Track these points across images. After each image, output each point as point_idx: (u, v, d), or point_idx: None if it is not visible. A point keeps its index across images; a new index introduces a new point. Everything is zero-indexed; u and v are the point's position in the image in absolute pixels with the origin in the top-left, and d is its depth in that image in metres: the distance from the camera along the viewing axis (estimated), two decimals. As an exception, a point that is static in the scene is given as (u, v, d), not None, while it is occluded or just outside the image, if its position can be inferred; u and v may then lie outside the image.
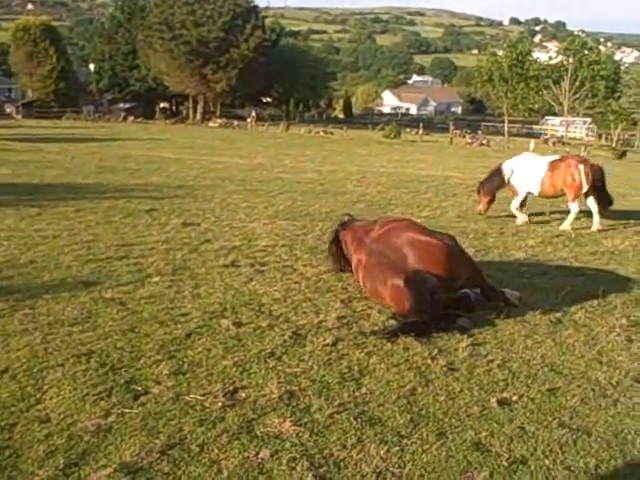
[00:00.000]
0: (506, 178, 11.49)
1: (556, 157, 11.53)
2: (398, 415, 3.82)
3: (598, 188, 10.71)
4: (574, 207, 10.64)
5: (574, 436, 3.68)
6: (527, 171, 11.24)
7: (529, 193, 11.32)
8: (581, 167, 10.52)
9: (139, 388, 4.04)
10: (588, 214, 10.99)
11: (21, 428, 3.54)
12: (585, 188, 10.51)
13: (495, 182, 11.66)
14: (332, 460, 3.32)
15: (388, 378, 4.34)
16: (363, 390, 4.14)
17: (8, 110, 77.98)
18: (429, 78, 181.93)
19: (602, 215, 10.77)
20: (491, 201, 11.80)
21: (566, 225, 10.67)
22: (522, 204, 11.48)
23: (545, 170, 10.97)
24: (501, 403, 4.05)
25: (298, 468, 3.23)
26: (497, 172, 11.69)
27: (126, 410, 3.76)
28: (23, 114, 73.79)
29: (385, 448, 3.45)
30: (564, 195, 10.91)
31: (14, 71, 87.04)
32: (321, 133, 55.37)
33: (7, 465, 3.20)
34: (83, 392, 3.95)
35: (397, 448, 3.46)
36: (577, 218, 10.82)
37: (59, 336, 4.84)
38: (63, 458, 3.26)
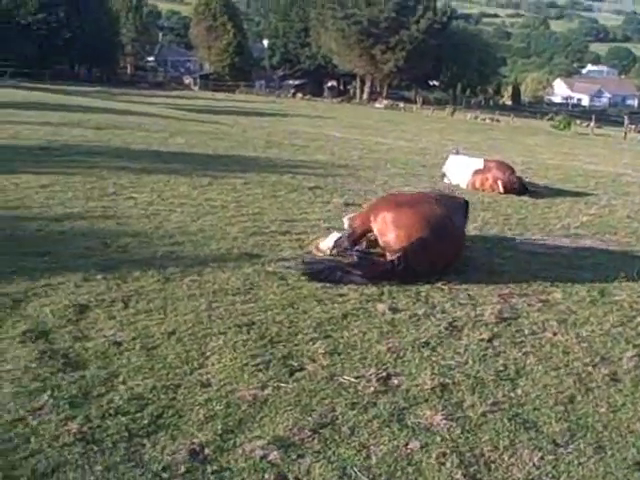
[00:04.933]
0: None
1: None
2: (554, 422, 3.66)
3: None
4: None
5: None
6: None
7: None
8: (499, 183, 12.12)
9: (295, 364, 4.15)
10: None
11: (184, 390, 3.74)
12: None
13: None
14: (483, 460, 3.24)
15: (546, 382, 4.16)
16: (519, 391, 4.00)
17: (186, 81, 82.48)
18: (605, 68, 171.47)
19: None
20: None
21: None
22: None
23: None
24: (669, 422, 3.77)
25: (447, 464, 3.19)
26: None
27: (282, 384, 3.87)
28: (200, 86, 77.70)
29: (539, 455, 3.32)
30: None
31: (194, 44, 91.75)
32: (487, 120, 53.91)
33: (170, 424, 3.39)
34: (242, 362, 4.11)
35: (552, 457, 3.32)
36: None
37: (223, 305, 5.07)
38: (221, 424, 3.41)
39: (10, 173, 9.46)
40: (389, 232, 6.15)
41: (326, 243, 6.78)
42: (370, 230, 6.48)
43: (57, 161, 11.12)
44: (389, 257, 6.05)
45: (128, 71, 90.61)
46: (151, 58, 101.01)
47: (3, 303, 4.74)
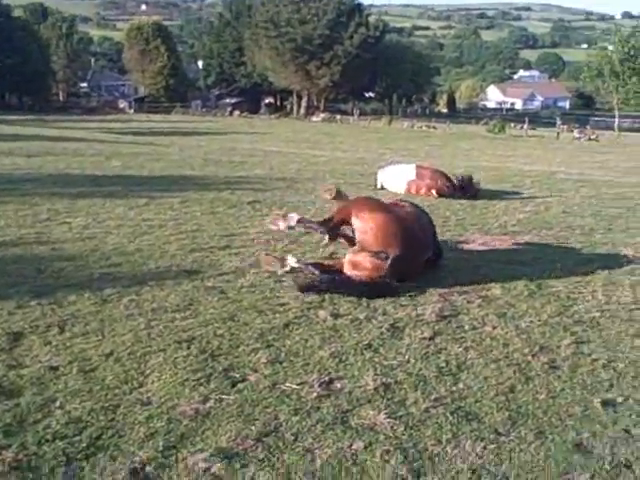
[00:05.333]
0: None
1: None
2: (496, 412, 3.71)
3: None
4: None
5: (686, 442, 3.46)
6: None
7: None
8: (433, 191, 12.69)
9: (237, 375, 4.11)
10: None
11: (124, 410, 3.66)
12: None
13: None
14: (426, 455, 3.26)
15: (486, 374, 4.22)
16: (460, 385, 4.04)
17: (121, 105, 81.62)
18: (536, 73, 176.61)
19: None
20: None
21: None
22: None
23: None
24: (605, 404, 3.87)
25: (392, 461, 3.19)
26: None
27: (224, 396, 3.82)
28: (135, 109, 77.02)
29: (481, 445, 3.36)
30: None
31: (127, 68, 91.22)
32: (424, 127, 54.79)
33: (110, 445, 3.31)
34: (183, 377, 4.05)
35: (494, 445, 3.36)
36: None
37: (162, 322, 4.99)
38: (162, 440, 3.35)
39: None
40: (370, 232, 6.12)
41: (287, 222, 6.79)
42: (348, 223, 6.46)
43: (-13, 190, 10.81)
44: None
45: (60, 97, 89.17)
46: (84, 84, 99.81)
47: None
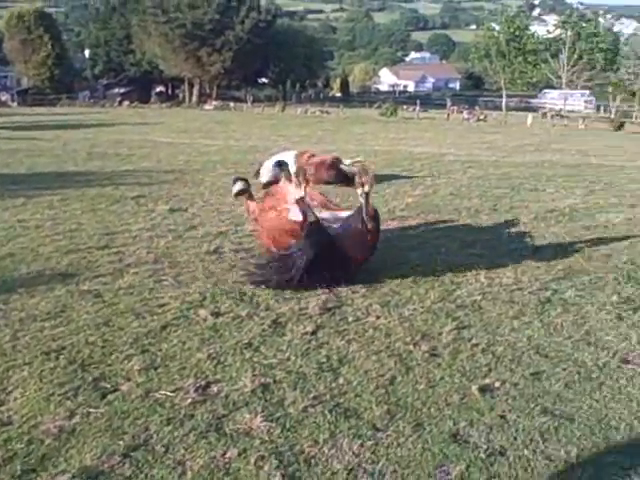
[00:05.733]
0: None
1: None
2: (375, 406, 3.66)
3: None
4: None
5: (556, 423, 3.53)
6: None
7: None
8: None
9: (108, 386, 3.89)
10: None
11: (-20, 434, 3.39)
12: None
13: None
14: (302, 457, 3.17)
15: (367, 367, 4.18)
16: (340, 380, 3.98)
17: (3, 98, 77.47)
18: (427, 55, 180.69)
19: None
20: None
21: None
22: None
23: None
24: (482, 390, 3.89)
25: (266, 467, 3.08)
26: None
27: (92, 410, 3.60)
28: (19, 102, 73.39)
29: (358, 443, 3.30)
30: None
31: (9, 59, 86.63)
32: (317, 113, 54.88)
33: (-38, 474, 3.06)
34: (49, 392, 3.79)
35: (371, 442, 3.31)
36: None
37: (30, 332, 4.68)
38: (21, 464, 3.11)
39: None
40: None
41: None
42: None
43: None
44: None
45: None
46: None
47: None
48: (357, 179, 6.09)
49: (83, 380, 3.95)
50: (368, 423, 3.50)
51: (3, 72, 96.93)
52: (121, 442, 3.29)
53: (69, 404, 3.67)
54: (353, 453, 3.21)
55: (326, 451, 3.23)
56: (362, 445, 3.28)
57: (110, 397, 3.76)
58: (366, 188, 5.95)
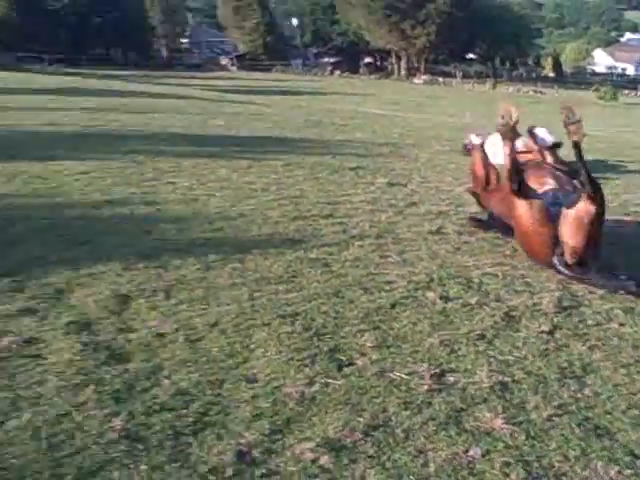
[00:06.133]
0: None
1: None
2: (630, 429, 3.33)
3: None
4: None
5: None
6: None
7: None
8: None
9: (343, 358, 3.91)
10: None
11: (229, 385, 3.54)
12: None
13: None
14: (552, 472, 2.95)
15: (616, 380, 3.83)
16: (586, 391, 3.68)
17: (223, 62, 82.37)
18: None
19: None
20: None
21: None
22: None
23: None
24: None
25: (513, 475, 2.91)
26: None
27: (330, 380, 3.64)
28: (237, 66, 77.55)
29: (615, 469, 2.99)
30: None
31: (224, 25, 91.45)
32: (531, 92, 52.68)
33: (216, 422, 3.19)
34: (288, 356, 3.89)
35: (630, 471, 2.99)
36: None
37: (265, 294, 4.85)
38: (269, 423, 3.20)
39: (49, 160, 9.34)
40: None
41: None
42: None
43: (95, 147, 10.99)
44: None
45: (163, 54, 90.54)
46: (185, 40, 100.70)
47: (47, 293, 4.60)
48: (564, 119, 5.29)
49: (319, 349, 4.01)
50: (624, 448, 3.18)
51: (220, 37, 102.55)
52: (361, 419, 3.29)
53: (307, 371, 3.73)
54: (610, 479, 2.94)
55: (579, 471, 2.98)
56: (620, 472, 2.98)
57: (346, 370, 3.77)
58: (575, 137, 5.21)
